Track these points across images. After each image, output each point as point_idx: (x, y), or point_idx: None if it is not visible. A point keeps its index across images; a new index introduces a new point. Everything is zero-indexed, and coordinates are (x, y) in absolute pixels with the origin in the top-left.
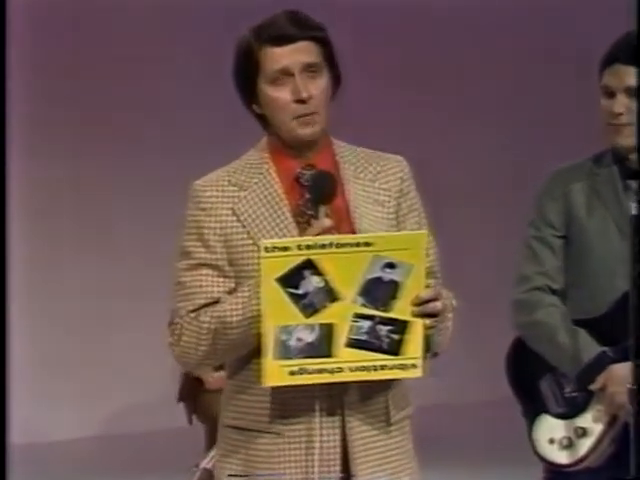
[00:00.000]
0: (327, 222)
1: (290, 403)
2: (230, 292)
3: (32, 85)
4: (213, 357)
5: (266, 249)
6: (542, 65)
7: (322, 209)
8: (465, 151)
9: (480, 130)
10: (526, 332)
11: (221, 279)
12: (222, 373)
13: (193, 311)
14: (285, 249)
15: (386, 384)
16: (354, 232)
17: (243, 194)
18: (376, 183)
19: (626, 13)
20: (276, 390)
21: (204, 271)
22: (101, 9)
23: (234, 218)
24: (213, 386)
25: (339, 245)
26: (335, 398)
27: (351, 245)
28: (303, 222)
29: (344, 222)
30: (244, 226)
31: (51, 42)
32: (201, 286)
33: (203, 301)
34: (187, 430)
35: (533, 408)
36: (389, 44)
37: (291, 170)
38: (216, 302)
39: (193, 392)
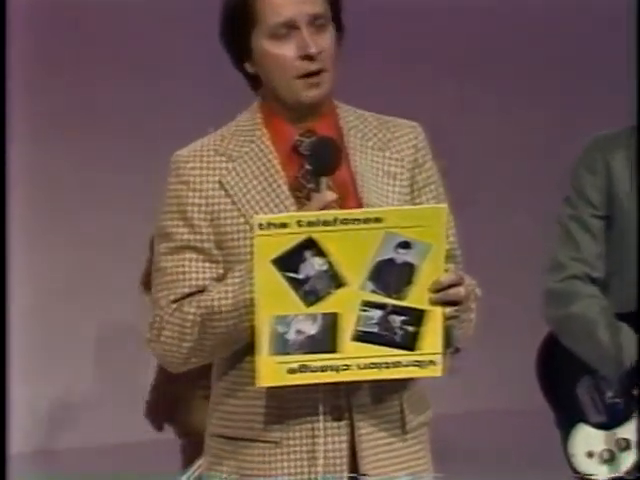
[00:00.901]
0: (330, 195)
1: (289, 407)
2: (218, 279)
3: (32, 85)
4: (200, 355)
5: (260, 226)
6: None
7: (323, 181)
8: (482, 113)
9: (499, 91)
10: (560, 327)
11: (207, 264)
12: None
13: (175, 301)
14: (282, 226)
15: (401, 384)
16: (361, 207)
17: (232, 165)
18: (387, 152)
19: None
20: (273, 392)
21: (187, 255)
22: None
23: (222, 193)
24: None
25: (345, 221)
26: (342, 400)
27: (359, 221)
28: (302, 197)
29: (350, 197)
30: (234, 202)
31: (51, 42)
32: (184, 272)
33: (187, 289)
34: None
35: (569, 417)
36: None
37: (288, 137)
38: (202, 291)
39: (168, 400)
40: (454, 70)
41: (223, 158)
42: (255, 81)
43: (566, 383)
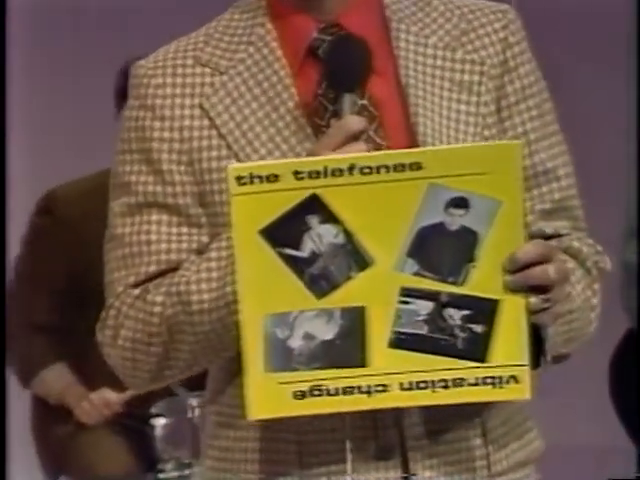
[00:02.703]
0: (355, 122)
1: (307, 442)
2: (200, 251)
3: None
4: (175, 366)
5: (239, 180)
6: None
7: (347, 100)
8: None
9: None
10: None
11: (184, 229)
12: (112, 396)
13: (137, 285)
14: (272, 179)
15: (481, 405)
16: (412, 144)
17: (220, 80)
18: (458, 53)
19: None
20: (282, 421)
21: (155, 216)
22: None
23: (205, 122)
24: (90, 418)
25: (367, 170)
26: (390, 433)
27: (389, 169)
28: (325, 125)
29: (394, 124)
30: (222, 135)
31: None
32: (149, 242)
33: (154, 268)
34: None
35: None
36: None
37: (303, 35)
38: (176, 269)
39: (49, 435)
40: None
41: (206, 70)
42: None
43: None
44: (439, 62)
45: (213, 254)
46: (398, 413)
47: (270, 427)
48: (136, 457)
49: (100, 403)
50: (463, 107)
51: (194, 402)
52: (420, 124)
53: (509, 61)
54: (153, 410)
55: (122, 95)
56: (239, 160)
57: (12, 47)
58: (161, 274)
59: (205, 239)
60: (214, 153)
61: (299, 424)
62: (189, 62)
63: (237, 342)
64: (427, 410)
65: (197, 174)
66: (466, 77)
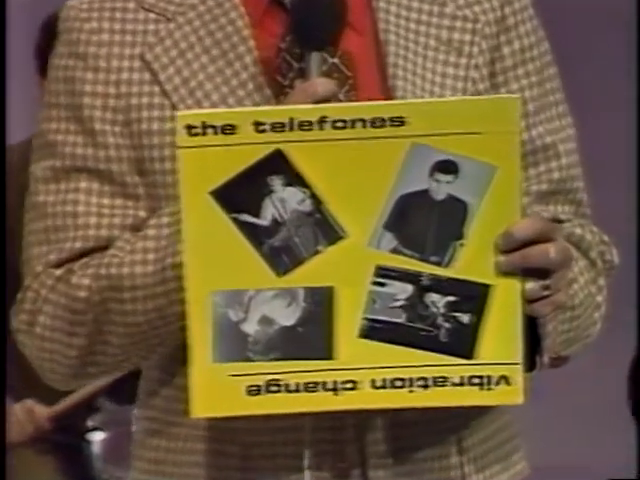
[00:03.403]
0: (323, 85)
1: (255, 453)
2: (135, 227)
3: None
4: (101, 360)
5: (189, 130)
6: None
7: (315, 57)
8: None
9: None
10: None
11: (118, 200)
12: (39, 408)
13: (60, 265)
14: (229, 130)
15: (458, 413)
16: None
17: (166, 28)
18: (447, 7)
19: None
20: (231, 426)
21: (84, 184)
22: None
23: (146, 76)
24: (13, 435)
25: (341, 124)
26: (348, 444)
27: (366, 123)
28: (288, 86)
29: (371, 87)
30: (165, 93)
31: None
32: (76, 214)
33: (79, 244)
34: None
35: None
36: None
37: None
38: (106, 247)
39: None
40: None
41: (151, 15)
42: None
43: None
44: (425, 17)
45: (151, 232)
46: (360, 426)
47: (209, 438)
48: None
49: (24, 417)
50: (450, 70)
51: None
52: (399, 88)
53: (507, 18)
54: (90, 423)
55: (43, 56)
56: None
57: (12, 46)
58: (89, 252)
59: (142, 214)
60: (156, 113)
61: (245, 433)
62: (130, 5)
63: (176, 336)
64: (394, 423)
65: (135, 137)
66: (456, 35)
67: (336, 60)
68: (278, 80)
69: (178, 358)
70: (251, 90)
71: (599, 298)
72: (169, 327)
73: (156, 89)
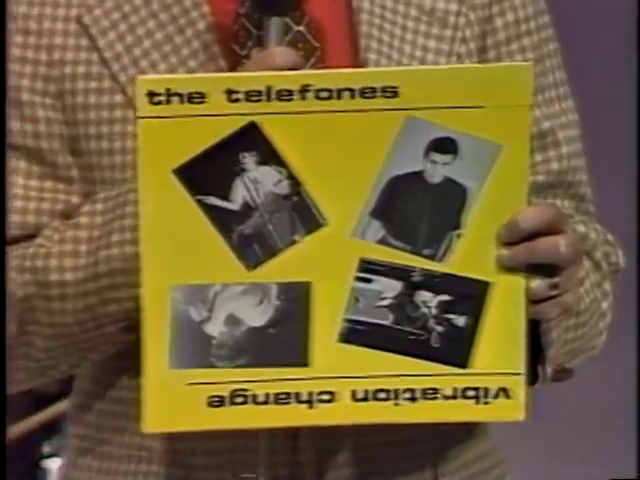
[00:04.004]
0: (283, 55)
1: (196, 475)
2: (67, 214)
3: None
4: (23, 367)
5: (150, 97)
6: None
7: (275, 24)
8: None
9: None
10: None
11: (48, 183)
12: None
13: None
14: (197, 99)
15: (436, 431)
16: None
17: None
18: None
19: None
20: (167, 445)
21: (11, 164)
22: None
23: (84, 42)
24: None
25: (326, 94)
26: (307, 466)
27: (354, 94)
28: (245, 55)
29: (339, 60)
30: (104, 61)
31: None
32: None
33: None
34: None
35: None
36: None
37: None
38: (33, 236)
39: None
40: None
41: None
42: None
43: None
44: None
45: (84, 220)
46: (320, 449)
47: (146, 459)
48: None
49: None
50: (432, 43)
51: None
52: (372, 62)
53: None
54: (46, 449)
55: None
56: (125, 97)
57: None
58: (12, 242)
59: (75, 199)
60: (93, 84)
61: (188, 455)
62: None
63: (111, 341)
64: (358, 445)
65: (68, 111)
66: (440, 4)
67: (302, 28)
68: (235, 50)
69: (112, 367)
70: (204, 60)
71: (604, 305)
72: (101, 330)
73: (94, 57)
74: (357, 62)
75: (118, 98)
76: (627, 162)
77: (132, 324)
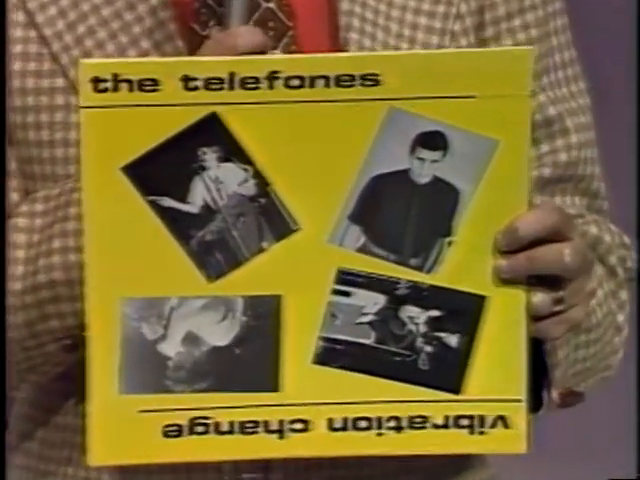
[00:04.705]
0: (245, 35)
1: None
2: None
3: None
4: None
5: (95, 84)
6: None
7: (237, 4)
8: None
9: None
10: None
11: None
12: None
13: None
14: (149, 86)
15: (417, 465)
16: None
17: None
18: None
19: None
20: (130, 475)
21: None
22: None
23: (21, 17)
24: None
25: (297, 82)
26: None
27: (330, 81)
28: (206, 36)
29: (318, 40)
30: (44, 40)
31: None
32: None
33: None
34: None
35: None
36: None
37: None
38: None
39: None
40: None
41: None
42: None
43: None
44: None
45: (22, 221)
46: (304, 469)
47: None
48: None
49: None
50: (423, 20)
51: None
52: (353, 42)
53: None
54: None
55: None
56: (68, 81)
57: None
58: None
59: (14, 197)
60: (31, 66)
61: (144, 475)
62: None
63: (53, 361)
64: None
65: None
66: None
67: (272, 5)
68: (195, 29)
69: (55, 389)
70: (159, 40)
71: (620, 318)
72: (42, 349)
73: (32, 34)
74: (336, 43)
75: (59, 82)
76: (627, 162)
77: (76, 342)
